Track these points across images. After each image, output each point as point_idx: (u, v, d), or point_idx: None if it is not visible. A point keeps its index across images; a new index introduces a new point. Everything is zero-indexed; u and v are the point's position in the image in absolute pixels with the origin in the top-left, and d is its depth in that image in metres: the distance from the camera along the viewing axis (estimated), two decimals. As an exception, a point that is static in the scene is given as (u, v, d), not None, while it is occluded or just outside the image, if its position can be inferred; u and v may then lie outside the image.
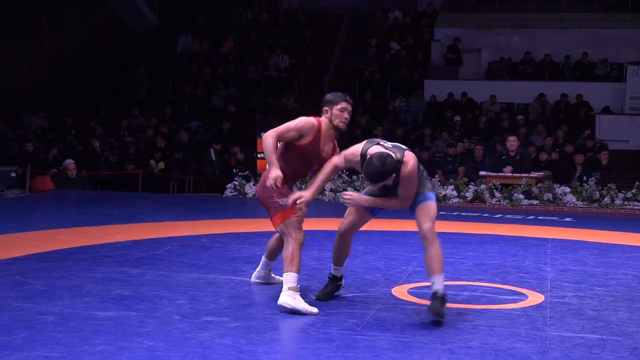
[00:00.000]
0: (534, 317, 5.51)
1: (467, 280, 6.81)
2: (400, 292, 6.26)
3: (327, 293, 5.95)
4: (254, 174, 15.50)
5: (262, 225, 10.48)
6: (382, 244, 8.71)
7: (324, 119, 5.89)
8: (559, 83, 21.35)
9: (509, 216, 12.20)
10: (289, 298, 5.42)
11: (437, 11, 24.91)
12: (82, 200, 13.73)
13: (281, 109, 20.71)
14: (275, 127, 5.78)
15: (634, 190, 14.33)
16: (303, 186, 9.48)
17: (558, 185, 14.58)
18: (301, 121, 5.80)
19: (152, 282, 6.33)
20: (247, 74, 22.64)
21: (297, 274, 5.56)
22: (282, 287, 5.55)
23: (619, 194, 14.29)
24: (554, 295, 6.23)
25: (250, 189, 15.07)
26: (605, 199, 14.16)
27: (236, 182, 15.30)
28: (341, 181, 14.96)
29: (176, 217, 11.12)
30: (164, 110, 21.01)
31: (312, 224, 10.61)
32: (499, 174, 14.49)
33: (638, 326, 5.29)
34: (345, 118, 5.88)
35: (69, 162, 15.42)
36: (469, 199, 14.40)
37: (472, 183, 14.89)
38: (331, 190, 14.75)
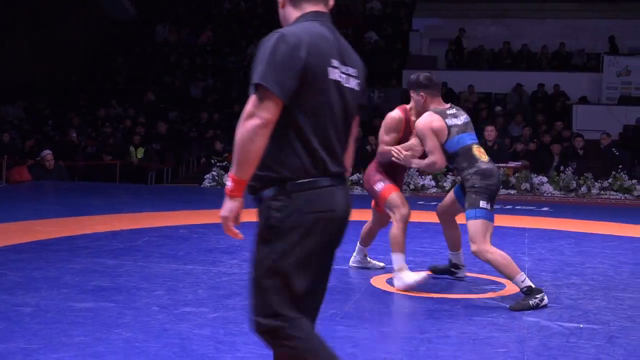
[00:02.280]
0: (511, 306, 5.54)
1: (446, 270, 6.83)
2: (379, 282, 6.28)
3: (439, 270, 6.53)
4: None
5: (241, 215, 10.47)
6: (361, 234, 8.71)
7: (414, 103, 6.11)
8: (536, 73, 21.44)
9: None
10: (396, 280, 5.97)
11: (415, 1, 24.93)
12: (59, 191, 13.65)
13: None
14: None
15: (610, 180, 14.43)
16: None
17: (535, 175, 14.65)
18: (388, 121, 6.15)
19: (130, 273, 6.31)
20: (226, 64, 22.56)
21: (400, 253, 5.95)
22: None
23: (596, 183, 14.39)
24: (531, 285, 6.26)
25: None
26: (582, 189, 14.25)
27: (214, 173, 15.27)
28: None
29: (154, 207, 11.08)
30: (143, 101, 20.91)
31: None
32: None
33: (614, 315, 5.33)
34: None
35: (47, 153, 15.30)
36: (447, 188, 14.43)
37: (450, 173, 14.93)
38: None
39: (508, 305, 5.51)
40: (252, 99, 2.80)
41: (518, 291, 5.97)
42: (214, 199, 13.12)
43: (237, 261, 6.98)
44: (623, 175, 14.46)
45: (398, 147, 6.00)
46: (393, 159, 5.98)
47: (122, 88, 22.17)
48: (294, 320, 2.86)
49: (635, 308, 5.56)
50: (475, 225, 5.59)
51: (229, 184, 2.86)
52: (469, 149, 5.79)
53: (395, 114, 6.15)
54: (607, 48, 22.13)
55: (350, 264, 6.84)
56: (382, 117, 6.37)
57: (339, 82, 2.91)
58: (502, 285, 6.25)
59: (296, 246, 2.83)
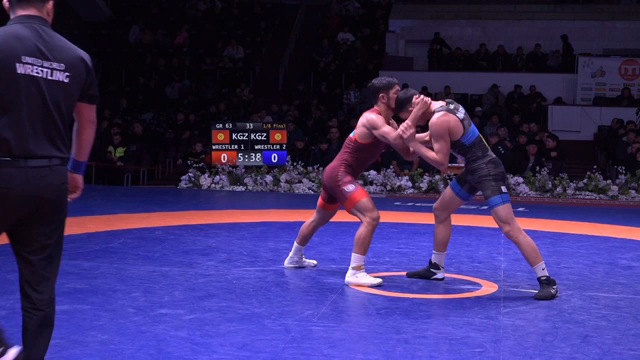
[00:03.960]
0: (487, 306, 5.56)
1: (422, 270, 6.85)
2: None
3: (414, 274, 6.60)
4: (209, 166, 15.45)
5: (217, 217, 10.47)
6: (338, 235, 8.74)
7: (381, 106, 6.26)
8: (512, 74, 21.56)
9: (463, 206, 12.25)
10: (350, 277, 6.14)
11: (391, 2, 25.00)
12: (34, 193, 13.54)
13: (236, 100, 20.68)
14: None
15: (585, 180, 14.54)
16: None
17: (511, 175, 14.73)
18: (371, 122, 6.17)
19: (106, 275, 6.29)
20: (202, 65, 22.52)
21: (363, 255, 6.15)
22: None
23: (571, 183, 14.50)
24: (507, 285, 6.30)
25: (205, 181, 15.01)
26: (558, 189, 14.35)
27: (191, 174, 15.24)
28: (296, 172, 14.97)
29: (130, 209, 11.04)
30: (119, 102, 20.82)
31: (267, 216, 10.62)
32: (453, 164, 14.57)
33: (589, 314, 5.37)
34: None
35: (21, 155, 15.17)
36: (423, 189, 14.50)
37: (426, 174, 14.99)
38: (287, 181, 14.75)
39: (533, 295, 5.84)
40: None
41: (494, 291, 6.02)
42: (190, 200, 13.10)
43: (214, 262, 6.97)
44: (598, 176, 14.58)
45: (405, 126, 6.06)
46: (399, 135, 6.05)
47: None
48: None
49: (609, 307, 5.60)
50: (505, 210, 5.88)
51: None
52: (480, 139, 6.08)
53: (375, 112, 6.23)
54: (581, 49, 22.27)
55: (286, 264, 6.82)
56: (359, 117, 6.41)
57: (34, 76, 3.37)
58: (479, 286, 6.28)
59: None
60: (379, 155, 6.46)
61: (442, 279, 6.47)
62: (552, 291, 5.80)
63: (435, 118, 5.94)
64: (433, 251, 6.47)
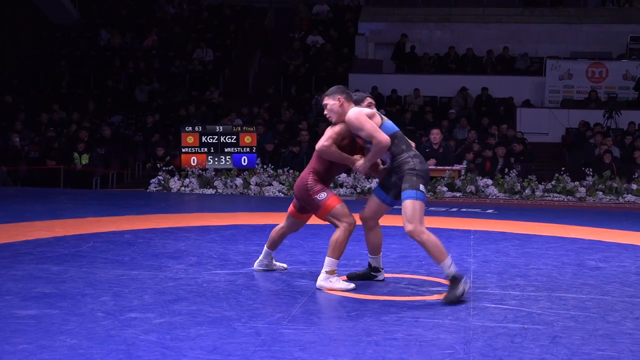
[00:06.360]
0: (457, 308, 5.58)
1: (392, 273, 6.87)
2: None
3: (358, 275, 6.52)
4: (178, 170, 15.40)
5: (187, 220, 10.43)
6: (308, 238, 8.73)
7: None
8: (481, 77, 21.69)
9: (433, 208, 12.31)
10: (324, 281, 6.08)
11: (360, 5, 25.07)
12: (1, 197, 13.43)
13: (205, 102, 20.62)
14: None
15: (553, 182, 14.65)
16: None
17: (480, 177, 14.81)
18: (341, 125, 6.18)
19: (75, 279, 6.23)
20: (171, 68, 22.44)
21: (337, 260, 6.09)
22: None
23: (539, 185, 14.61)
24: (476, 286, 6.32)
25: (175, 184, 14.95)
26: (526, 191, 14.44)
27: (160, 177, 15.17)
28: (267, 175, 14.94)
29: (99, 212, 10.96)
30: (87, 105, 20.69)
31: (237, 219, 10.60)
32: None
33: (558, 315, 5.41)
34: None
35: (-12, 158, 15.07)
36: (393, 191, 14.52)
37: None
38: (257, 184, 14.72)
39: (440, 301, 5.71)
40: None
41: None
42: (160, 203, 13.03)
43: (184, 266, 6.94)
44: (566, 178, 14.70)
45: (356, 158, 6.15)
46: (354, 167, 6.18)
47: (64, 92, 21.90)
48: None
49: (578, 308, 5.64)
50: (414, 205, 5.80)
51: None
52: (402, 135, 6.06)
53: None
54: (549, 52, 22.47)
55: (255, 267, 6.81)
56: (327, 121, 6.38)
57: None
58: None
59: None
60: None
61: (383, 280, 6.50)
62: (460, 290, 5.65)
63: (350, 113, 5.99)
64: (369, 255, 6.48)
